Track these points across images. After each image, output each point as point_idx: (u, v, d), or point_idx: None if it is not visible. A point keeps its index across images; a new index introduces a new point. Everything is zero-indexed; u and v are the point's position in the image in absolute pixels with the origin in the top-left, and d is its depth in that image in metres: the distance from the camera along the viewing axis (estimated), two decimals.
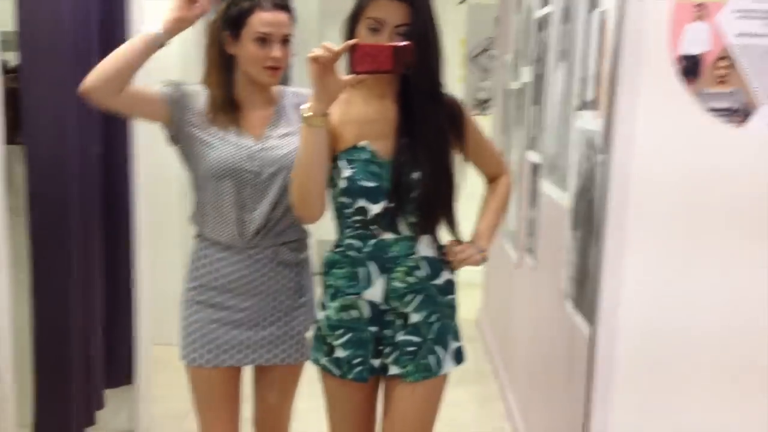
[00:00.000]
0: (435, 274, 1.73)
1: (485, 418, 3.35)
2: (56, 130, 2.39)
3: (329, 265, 1.75)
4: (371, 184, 1.67)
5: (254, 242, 1.85)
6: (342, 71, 1.57)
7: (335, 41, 1.57)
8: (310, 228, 1.92)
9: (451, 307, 1.78)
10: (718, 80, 1.66)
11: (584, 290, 2.02)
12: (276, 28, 1.77)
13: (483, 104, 5.54)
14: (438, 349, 1.74)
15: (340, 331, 1.72)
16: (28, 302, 2.41)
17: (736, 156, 1.69)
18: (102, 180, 2.70)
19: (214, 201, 1.85)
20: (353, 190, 1.68)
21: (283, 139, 1.84)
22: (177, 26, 1.72)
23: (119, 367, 2.92)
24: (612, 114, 1.74)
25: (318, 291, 1.84)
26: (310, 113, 1.58)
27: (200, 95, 1.85)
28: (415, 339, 1.71)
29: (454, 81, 5.26)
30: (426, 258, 1.72)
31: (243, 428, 2.06)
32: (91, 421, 2.69)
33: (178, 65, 3.60)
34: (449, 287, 1.77)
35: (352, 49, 1.53)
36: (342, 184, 1.68)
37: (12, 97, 2.40)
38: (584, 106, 2.11)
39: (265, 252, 1.87)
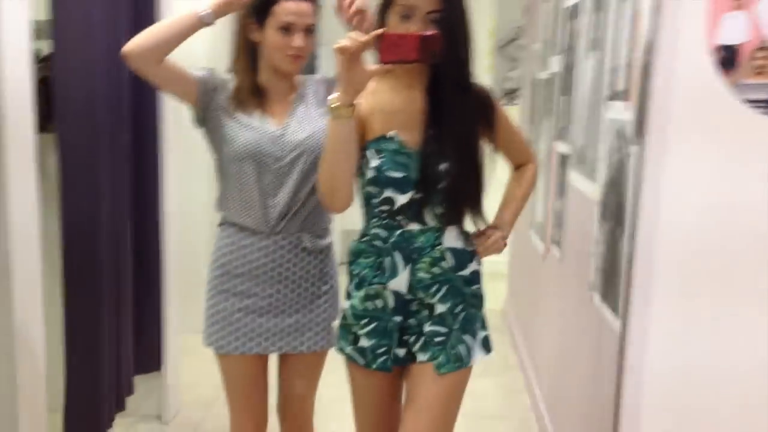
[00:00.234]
0: (461, 265, 1.73)
1: (510, 409, 3.34)
2: (87, 119, 2.42)
3: (355, 255, 1.76)
4: (399, 175, 1.66)
5: (278, 228, 1.88)
6: (369, 61, 1.56)
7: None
8: (336, 218, 1.93)
9: (477, 297, 1.77)
10: (756, 71, 1.62)
11: (612, 283, 2.00)
12: (299, 18, 1.79)
13: (511, 94, 5.49)
14: (467, 338, 1.73)
15: (365, 321, 1.72)
16: (60, 288, 2.45)
17: None
18: (132, 168, 2.73)
19: (237, 185, 1.88)
20: (380, 180, 1.67)
21: (303, 124, 1.87)
22: (225, 9, 1.78)
23: (148, 354, 2.96)
24: (645, 105, 1.71)
25: (343, 280, 1.85)
26: (337, 104, 1.58)
27: (229, 82, 1.90)
28: (442, 329, 1.71)
29: (482, 71, 5.23)
30: (451, 249, 1.71)
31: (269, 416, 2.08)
32: (121, 407, 2.73)
33: (207, 52, 3.63)
34: (475, 278, 1.77)
35: (379, 39, 1.52)
36: (369, 173, 1.68)
37: (44, 85, 2.44)
38: (615, 96, 2.08)
39: (289, 239, 1.89)
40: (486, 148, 1.74)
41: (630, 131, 1.87)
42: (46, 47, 2.51)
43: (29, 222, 2.11)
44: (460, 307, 1.73)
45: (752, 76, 1.63)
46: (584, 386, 2.37)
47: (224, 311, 1.92)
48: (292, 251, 1.90)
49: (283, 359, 2.02)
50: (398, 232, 1.70)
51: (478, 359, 1.75)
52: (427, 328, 1.71)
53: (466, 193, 1.70)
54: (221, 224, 1.96)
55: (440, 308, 1.71)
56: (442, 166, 1.65)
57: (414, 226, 1.70)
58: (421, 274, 1.70)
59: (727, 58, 1.63)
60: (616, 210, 2.00)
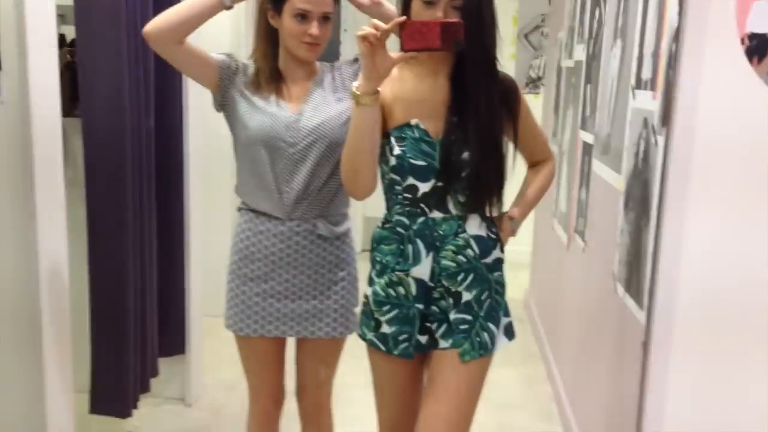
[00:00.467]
0: (485, 252, 1.72)
1: (532, 399, 3.34)
2: (112, 103, 2.44)
3: (377, 241, 1.76)
4: (421, 163, 1.66)
5: (294, 214, 1.89)
6: (392, 49, 1.55)
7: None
8: (359, 205, 1.93)
9: (500, 284, 1.77)
10: None
11: (636, 273, 1.98)
12: (315, 6, 1.79)
13: (534, 82, 5.44)
14: (491, 326, 1.73)
15: (387, 307, 1.73)
16: (86, 272, 2.48)
17: None
18: (156, 153, 2.75)
19: (253, 170, 1.90)
20: (403, 168, 1.67)
21: (318, 110, 1.88)
22: None
23: (172, 337, 3.00)
24: (672, 94, 1.69)
25: (365, 266, 1.85)
26: (360, 92, 1.58)
27: (249, 67, 1.92)
28: (468, 317, 1.71)
29: (506, 58, 5.18)
30: (475, 237, 1.71)
31: (287, 401, 2.10)
32: (146, 388, 2.77)
33: (229, 38, 3.64)
34: (498, 265, 1.76)
35: (402, 27, 1.51)
36: (392, 161, 1.68)
37: (69, 70, 2.46)
38: (641, 85, 2.06)
39: (304, 225, 1.90)
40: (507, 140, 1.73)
41: (656, 121, 1.85)
42: (70, 32, 2.53)
43: (55, 206, 2.13)
44: (485, 294, 1.72)
45: None
46: (607, 377, 2.36)
47: (243, 295, 1.95)
48: (308, 237, 1.91)
49: (301, 344, 2.03)
50: (421, 219, 1.69)
51: (502, 346, 1.75)
52: (453, 315, 1.71)
53: (488, 181, 1.70)
54: (240, 209, 1.98)
55: (467, 296, 1.71)
56: (464, 155, 1.65)
57: (437, 214, 1.69)
58: (446, 262, 1.69)
59: (757, 46, 1.60)
60: (641, 200, 1.98)
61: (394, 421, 1.82)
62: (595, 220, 2.71)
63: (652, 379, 1.78)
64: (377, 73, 1.55)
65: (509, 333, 1.79)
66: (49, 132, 2.09)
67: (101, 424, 2.64)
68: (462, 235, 1.70)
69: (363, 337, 1.80)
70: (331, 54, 1.92)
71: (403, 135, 1.67)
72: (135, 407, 2.68)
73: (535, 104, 4.81)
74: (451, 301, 1.71)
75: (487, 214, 1.74)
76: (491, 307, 1.73)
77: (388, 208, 1.75)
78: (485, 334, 1.72)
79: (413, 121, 1.67)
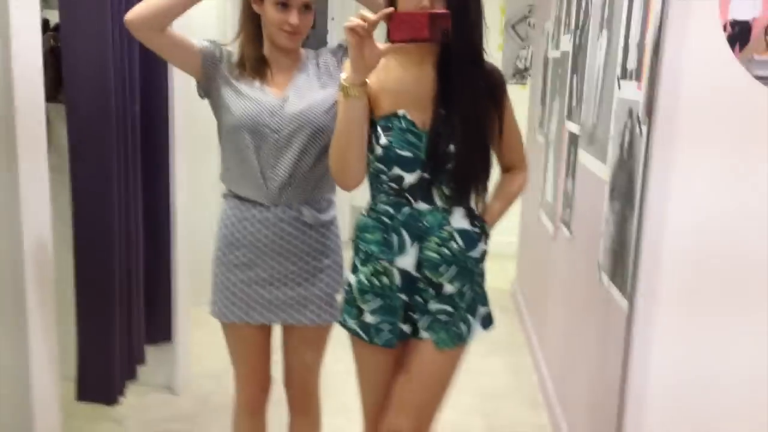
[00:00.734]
0: (470, 246, 1.72)
1: (518, 388, 3.36)
2: (96, 88, 2.43)
3: (361, 229, 1.76)
4: (407, 154, 1.66)
5: (279, 200, 1.89)
6: (379, 39, 1.55)
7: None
8: (345, 194, 1.93)
9: (482, 275, 1.78)
10: None
11: (621, 263, 2.00)
12: None
13: (521, 73, 5.45)
14: (469, 317, 1.75)
15: (370, 296, 1.73)
16: (71, 258, 2.47)
17: None
18: (141, 138, 2.73)
19: (237, 156, 1.89)
20: (389, 158, 1.67)
21: (302, 96, 1.88)
22: None
23: (159, 325, 2.99)
24: (655, 84, 1.69)
25: (350, 255, 1.85)
26: (348, 83, 1.57)
27: (233, 54, 1.91)
28: (449, 309, 1.72)
29: (493, 49, 5.19)
30: (459, 230, 1.71)
31: (274, 390, 2.10)
32: (132, 376, 2.76)
33: (215, 25, 3.62)
34: (483, 257, 1.77)
35: (389, 18, 1.51)
36: (378, 150, 1.68)
37: (53, 55, 2.44)
38: (626, 75, 2.07)
39: (289, 212, 1.90)
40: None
41: (641, 111, 1.86)
42: (54, 17, 2.51)
43: (39, 192, 2.12)
44: (467, 287, 1.73)
45: (764, 52, 1.61)
46: (592, 365, 2.38)
47: (228, 282, 1.95)
48: (293, 224, 1.91)
49: (287, 331, 2.03)
50: (406, 210, 1.70)
51: (477, 335, 1.77)
52: (434, 306, 1.72)
53: (473, 174, 1.70)
54: (225, 196, 1.98)
55: (449, 288, 1.71)
56: (451, 147, 1.64)
57: (422, 206, 1.69)
58: (430, 254, 1.70)
59: (739, 33, 1.61)
60: (626, 190, 1.99)
61: (377, 407, 1.82)
62: (581, 211, 2.73)
63: (634, 369, 1.80)
64: (365, 64, 1.55)
65: (486, 322, 1.80)
66: (33, 117, 2.07)
67: (88, 412, 2.64)
68: (446, 228, 1.70)
69: (344, 324, 1.80)
70: (319, 43, 1.91)
71: (389, 125, 1.66)
72: (122, 394, 2.68)
73: (522, 95, 4.82)
74: (432, 291, 1.71)
75: (472, 207, 1.74)
76: (472, 299, 1.75)
77: (373, 197, 1.75)
78: (463, 325, 1.73)
79: (400, 112, 1.66)
